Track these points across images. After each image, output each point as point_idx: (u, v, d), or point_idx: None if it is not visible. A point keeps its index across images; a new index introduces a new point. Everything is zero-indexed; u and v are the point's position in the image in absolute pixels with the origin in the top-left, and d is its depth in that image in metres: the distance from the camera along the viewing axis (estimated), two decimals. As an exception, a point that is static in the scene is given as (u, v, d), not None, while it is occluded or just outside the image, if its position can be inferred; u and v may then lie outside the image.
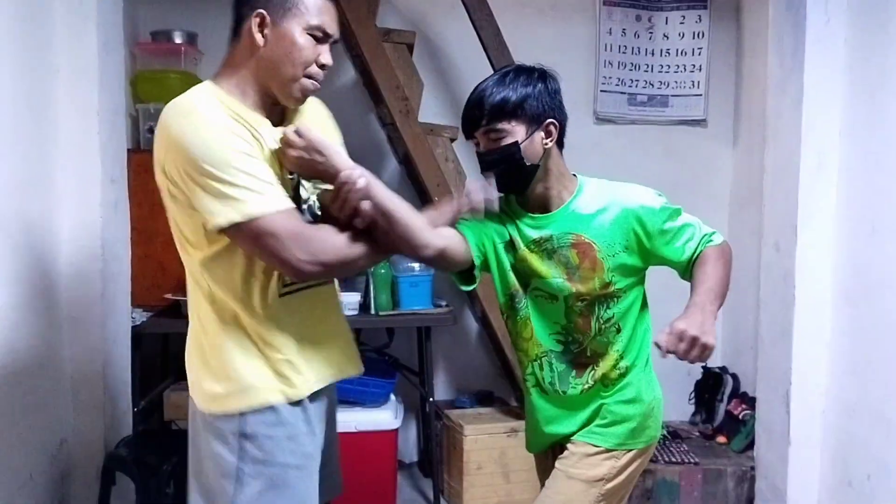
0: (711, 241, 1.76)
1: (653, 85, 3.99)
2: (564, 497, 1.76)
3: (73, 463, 2.55)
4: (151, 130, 3.38)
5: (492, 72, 3.34)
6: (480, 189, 1.79)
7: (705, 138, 4.05)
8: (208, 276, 1.61)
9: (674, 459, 3.35)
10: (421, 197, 3.67)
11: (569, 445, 1.83)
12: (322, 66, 1.64)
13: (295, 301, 1.64)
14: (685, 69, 4.00)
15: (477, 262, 1.79)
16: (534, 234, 1.78)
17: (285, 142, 1.55)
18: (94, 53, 2.53)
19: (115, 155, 2.72)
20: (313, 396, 1.65)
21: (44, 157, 2.39)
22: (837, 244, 2.89)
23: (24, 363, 2.20)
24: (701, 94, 4.00)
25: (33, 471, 2.23)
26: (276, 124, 1.64)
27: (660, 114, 4.01)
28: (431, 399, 3.46)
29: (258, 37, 1.58)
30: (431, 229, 1.67)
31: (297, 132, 1.55)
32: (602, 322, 1.78)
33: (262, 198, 1.50)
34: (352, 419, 3.09)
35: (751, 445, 3.38)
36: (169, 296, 3.22)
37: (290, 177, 1.63)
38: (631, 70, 3.98)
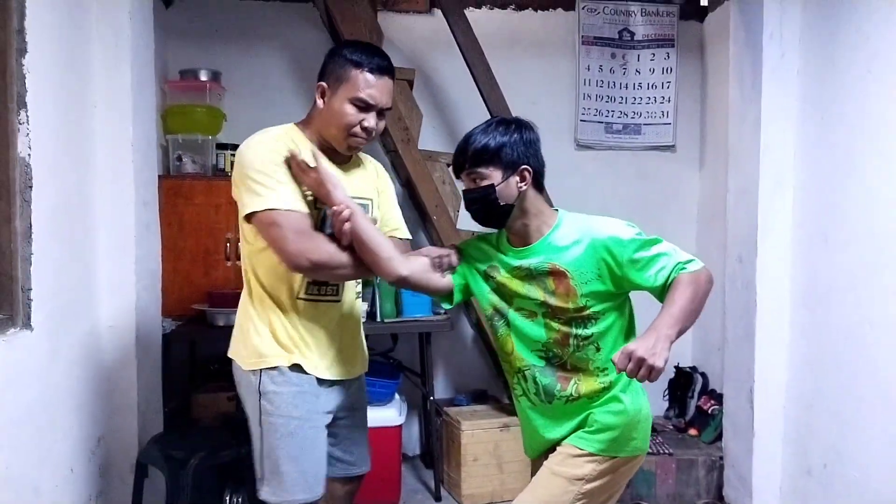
0: (685, 268, 1.69)
1: (627, 115, 4.00)
2: (546, 492, 1.76)
3: (110, 458, 2.54)
4: (180, 158, 3.41)
5: (483, 104, 3.39)
6: (437, 256, 1.89)
7: (674, 162, 4.06)
8: (251, 267, 1.88)
9: (650, 451, 3.32)
10: (422, 217, 3.67)
11: (557, 447, 1.82)
12: (365, 129, 1.84)
13: (312, 309, 1.88)
14: (655, 100, 4.01)
15: (457, 294, 1.90)
16: (514, 262, 1.81)
17: (304, 165, 1.78)
18: (128, 90, 2.54)
19: (147, 181, 2.72)
20: (322, 382, 1.88)
21: (83, 183, 2.39)
22: (794, 255, 2.89)
23: (67, 367, 2.19)
24: (670, 123, 4.02)
25: (74, 465, 2.22)
26: (339, 164, 1.91)
27: (633, 140, 4.02)
28: (432, 398, 3.45)
29: (319, 101, 1.88)
30: (401, 259, 1.81)
31: (315, 158, 1.80)
32: (580, 340, 1.77)
33: (277, 196, 1.75)
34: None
35: (719, 437, 3.36)
36: (196, 306, 3.22)
37: (310, 197, 1.83)
38: (607, 102, 3.99)
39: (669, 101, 4.00)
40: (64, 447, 2.15)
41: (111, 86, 2.51)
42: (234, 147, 3.46)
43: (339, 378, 1.93)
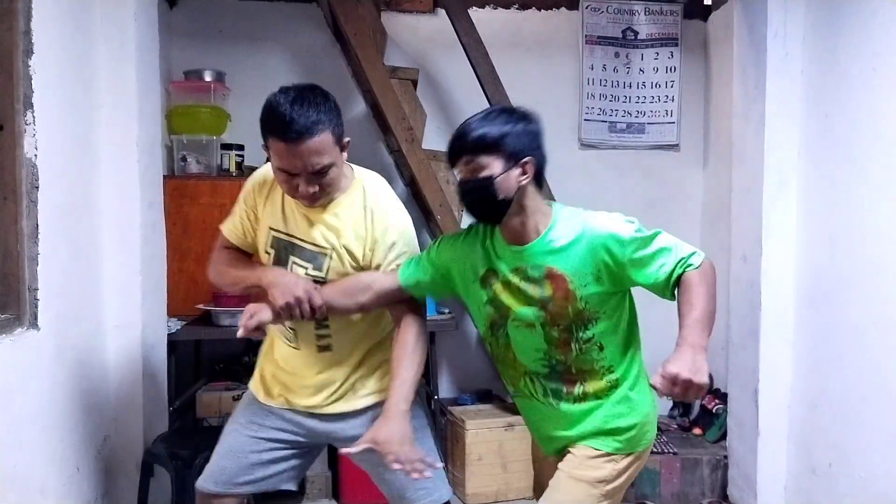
0: (691, 263, 1.59)
1: (630, 114, 4.00)
2: (571, 497, 1.70)
3: (116, 457, 2.54)
4: (185, 159, 3.42)
5: (487, 104, 3.39)
6: (249, 315, 1.76)
7: (678, 161, 4.05)
8: None
9: (654, 450, 3.29)
10: (425, 216, 3.68)
11: (571, 449, 1.76)
12: (303, 195, 1.72)
13: (278, 343, 1.96)
14: (659, 100, 4.01)
15: (416, 293, 1.82)
16: (512, 263, 1.70)
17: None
18: (133, 91, 2.55)
19: (152, 181, 2.73)
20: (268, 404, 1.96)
21: (89, 183, 2.40)
22: (798, 254, 2.89)
23: (73, 367, 2.20)
24: (674, 122, 4.01)
25: (80, 464, 2.23)
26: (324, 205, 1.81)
27: (637, 140, 4.01)
28: (436, 397, 3.45)
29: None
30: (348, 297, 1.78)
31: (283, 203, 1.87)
32: (582, 343, 1.70)
33: (227, 223, 1.97)
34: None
35: (724, 437, 3.36)
36: (201, 306, 3.23)
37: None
38: (611, 101, 3.99)
39: (673, 100, 3.99)
40: (70, 446, 2.16)
41: (116, 86, 2.52)
42: (239, 147, 3.48)
43: (285, 407, 1.93)
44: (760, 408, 2.95)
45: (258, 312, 1.75)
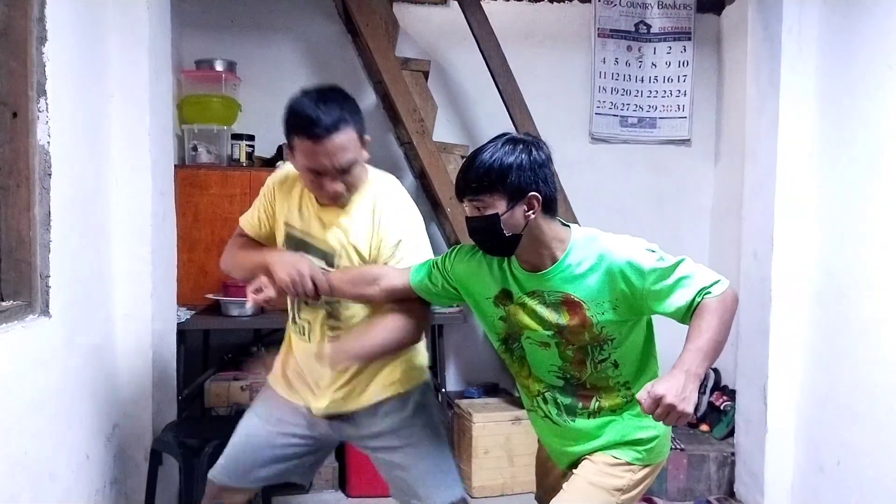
0: (710, 292, 1.54)
1: (642, 108, 3.99)
2: (587, 503, 1.69)
3: (125, 445, 2.56)
4: (195, 148, 3.42)
5: (499, 96, 3.38)
6: (257, 287, 1.80)
7: (690, 156, 4.04)
8: None
9: (661, 445, 3.33)
10: (435, 209, 3.67)
11: (589, 457, 1.74)
12: (328, 194, 1.76)
13: (294, 338, 1.97)
14: (671, 94, 3.99)
15: (425, 297, 1.82)
16: (529, 287, 1.67)
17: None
18: (144, 80, 2.55)
19: (163, 171, 2.73)
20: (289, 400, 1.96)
21: (101, 172, 2.40)
22: (810, 252, 2.87)
23: (83, 354, 2.21)
24: (686, 117, 3.99)
25: (89, 452, 2.24)
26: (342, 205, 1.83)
27: (648, 134, 4.00)
28: (444, 390, 3.45)
29: (291, 161, 1.82)
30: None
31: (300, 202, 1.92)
32: (597, 362, 1.68)
33: (245, 214, 2.04)
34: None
35: (731, 433, 3.35)
36: (210, 296, 3.24)
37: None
38: (623, 95, 3.97)
39: (685, 94, 3.97)
40: (79, 434, 2.17)
41: (128, 75, 2.51)
42: (250, 137, 3.48)
43: (298, 403, 1.94)
44: (769, 405, 2.94)
45: (268, 287, 1.78)
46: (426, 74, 3.55)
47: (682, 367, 1.45)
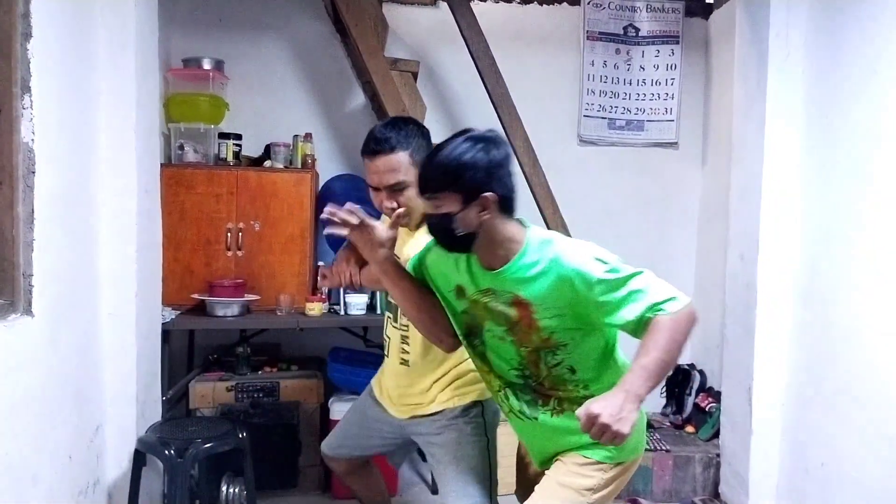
0: (662, 309, 1.50)
1: (630, 111, 4.00)
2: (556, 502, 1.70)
3: (109, 446, 2.53)
4: (182, 147, 3.40)
5: (487, 97, 3.38)
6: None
7: (677, 159, 4.06)
8: None
9: (647, 447, 3.31)
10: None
11: (560, 457, 1.76)
12: (385, 208, 1.91)
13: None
14: (659, 97, 4.01)
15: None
16: (483, 284, 1.68)
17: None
18: (131, 78, 2.52)
19: (149, 169, 2.71)
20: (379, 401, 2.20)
21: (86, 170, 2.38)
22: (796, 254, 2.89)
23: (67, 354, 2.18)
24: (673, 120, 4.01)
25: (73, 452, 2.21)
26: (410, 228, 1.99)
27: (636, 137, 4.01)
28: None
29: None
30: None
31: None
32: (550, 366, 1.68)
33: None
34: (359, 408, 3.09)
35: (716, 435, 3.37)
36: (195, 296, 3.22)
37: None
38: (611, 97, 3.98)
39: (673, 97, 3.99)
40: (63, 434, 2.14)
41: (115, 73, 2.49)
42: (237, 136, 3.47)
43: (383, 405, 2.18)
44: (754, 406, 2.96)
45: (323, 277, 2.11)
46: (415, 75, 3.54)
47: (624, 386, 1.45)
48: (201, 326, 3.31)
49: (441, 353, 1.95)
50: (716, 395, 3.51)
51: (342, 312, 3.27)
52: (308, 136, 3.52)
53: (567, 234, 3.40)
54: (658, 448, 3.34)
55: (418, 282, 1.82)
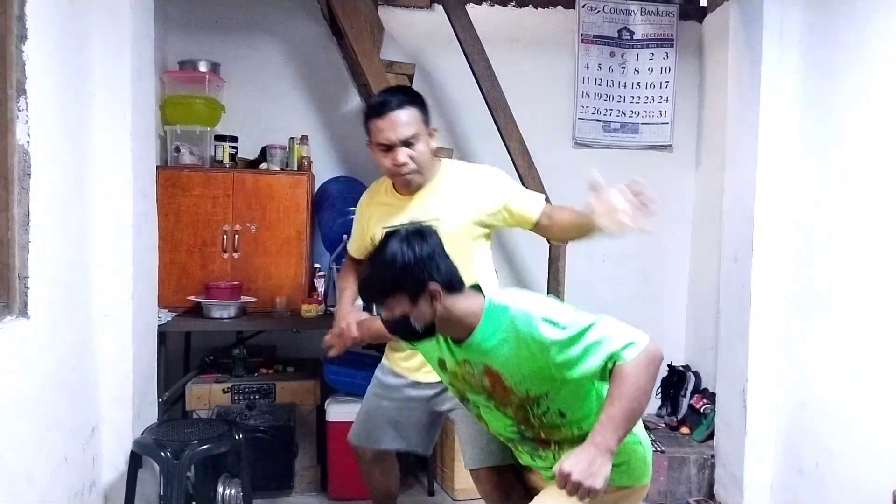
0: (621, 357, 1.53)
1: (625, 114, 4.00)
2: None
3: (104, 447, 2.52)
4: (178, 149, 3.39)
5: (483, 100, 3.38)
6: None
7: (671, 162, 4.06)
8: None
9: (643, 448, 3.34)
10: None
11: None
12: (398, 164, 2.06)
13: None
14: (654, 100, 4.01)
15: None
16: (458, 356, 1.76)
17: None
18: (127, 80, 2.52)
19: (145, 171, 2.71)
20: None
21: (82, 172, 2.37)
22: (789, 256, 2.90)
23: (62, 356, 2.18)
24: (668, 123, 4.02)
25: (68, 454, 2.20)
26: (412, 195, 2.17)
27: (631, 139, 4.02)
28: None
29: (374, 158, 2.14)
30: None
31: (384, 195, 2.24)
32: (539, 416, 1.72)
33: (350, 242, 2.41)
34: (355, 410, 3.07)
35: (711, 436, 3.37)
36: (191, 298, 3.21)
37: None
38: (606, 100, 3.99)
39: (667, 100, 3.99)
40: (58, 436, 2.14)
41: (110, 75, 2.49)
42: (233, 139, 3.46)
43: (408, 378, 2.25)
44: (748, 407, 2.96)
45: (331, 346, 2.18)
46: (411, 78, 3.54)
47: (594, 440, 1.50)
48: (198, 328, 3.30)
49: None
50: (710, 397, 3.51)
51: (338, 314, 3.26)
52: (304, 139, 3.52)
53: (562, 236, 3.40)
54: (653, 449, 3.33)
55: None
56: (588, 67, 3.95)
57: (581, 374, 1.58)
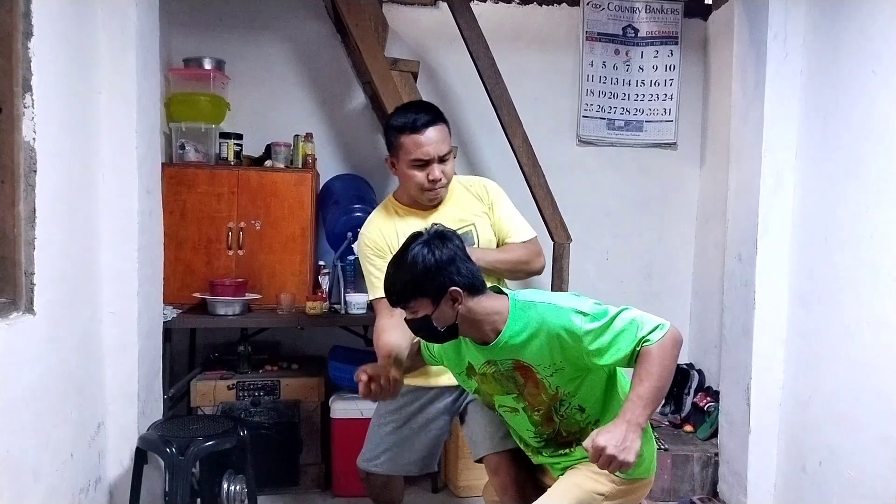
0: (649, 340, 1.60)
1: (629, 111, 3.99)
2: (573, 498, 1.78)
3: (110, 444, 2.53)
4: (183, 147, 3.39)
5: (487, 97, 3.37)
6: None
7: (676, 159, 4.05)
8: None
9: (646, 445, 3.34)
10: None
11: (576, 464, 1.85)
12: (433, 181, 2.08)
13: None
14: (658, 98, 4.00)
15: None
16: (484, 358, 1.78)
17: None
18: (132, 77, 2.52)
19: (150, 169, 2.71)
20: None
21: (88, 169, 2.37)
22: (793, 254, 2.89)
23: (68, 352, 2.18)
24: (672, 120, 4.01)
25: (74, 450, 2.21)
26: (431, 210, 2.18)
27: (635, 137, 4.01)
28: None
29: (393, 172, 2.16)
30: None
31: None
32: (561, 416, 1.79)
33: (372, 289, 2.19)
34: (359, 406, 3.09)
35: (715, 434, 3.37)
36: (196, 295, 3.21)
37: None
38: (610, 98, 3.98)
39: (672, 98, 3.98)
40: (64, 432, 2.14)
41: (116, 72, 2.49)
42: (238, 136, 3.46)
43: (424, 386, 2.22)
44: (752, 406, 2.96)
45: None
46: (415, 75, 3.53)
47: (625, 416, 1.55)
48: (202, 325, 3.30)
49: None
50: (714, 395, 3.51)
51: (343, 311, 3.27)
52: (309, 136, 3.52)
53: (566, 234, 3.40)
54: (657, 447, 3.32)
55: None
56: (592, 65, 3.94)
57: (613, 360, 1.62)
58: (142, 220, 2.58)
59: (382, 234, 2.17)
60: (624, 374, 1.82)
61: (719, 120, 3.74)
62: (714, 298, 3.62)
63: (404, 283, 1.68)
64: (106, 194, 2.48)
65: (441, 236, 1.70)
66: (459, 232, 1.93)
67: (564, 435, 1.82)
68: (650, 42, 3.95)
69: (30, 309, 1.92)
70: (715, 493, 3.27)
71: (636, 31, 3.94)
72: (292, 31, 3.73)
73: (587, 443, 1.54)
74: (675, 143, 4.02)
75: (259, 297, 3.31)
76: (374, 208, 2.33)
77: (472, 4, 3.46)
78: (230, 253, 3.34)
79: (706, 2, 3.93)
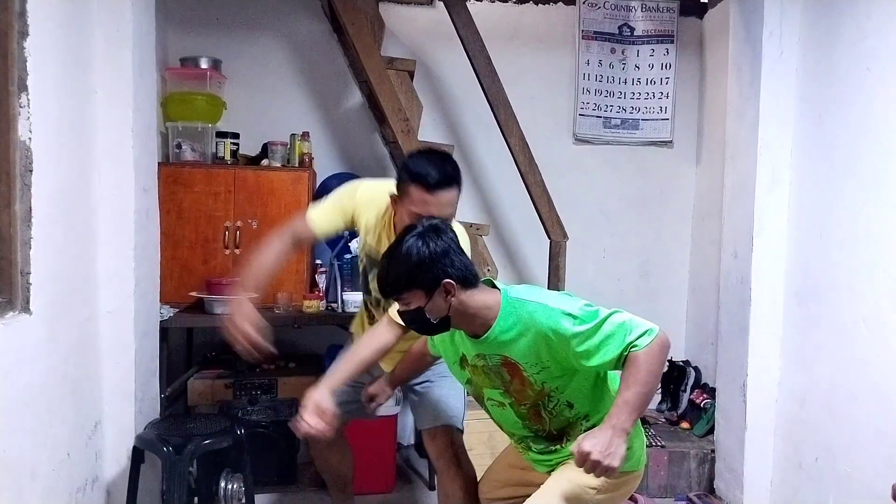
0: (636, 345, 1.59)
1: (625, 110, 4.00)
2: (564, 493, 1.77)
3: (107, 443, 2.53)
4: (179, 146, 3.39)
5: (483, 96, 3.37)
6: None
7: (672, 157, 4.05)
8: None
9: (643, 443, 3.34)
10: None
11: (567, 460, 1.84)
12: None
13: None
14: (654, 96, 4.00)
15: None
16: (475, 350, 1.79)
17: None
18: (129, 77, 2.52)
19: (146, 168, 2.70)
20: None
21: (84, 168, 2.37)
22: (789, 251, 2.89)
23: (65, 352, 2.18)
24: (668, 119, 4.01)
25: (71, 450, 2.21)
26: None
27: (631, 135, 4.01)
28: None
29: (392, 207, 2.08)
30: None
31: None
32: (550, 411, 1.79)
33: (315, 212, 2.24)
34: (356, 405, 3.08)
35: (711, 431, 3.37)
36: (193, 294, 3.21)
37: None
38: (606, 96, 3.98)
39: (668, 96, 3.99)
40: (61, 432, 2.14)
41: (112, 71, 2.48)
42: (234, 135, 3.46)
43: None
44: (748, 402, 2.96)
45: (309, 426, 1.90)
46: (411, 74, 3.54)
47: (610, 422, 1.57)
48: (199, 324, 3.30)
49: None
50: (710, 392, 3.51)
51: (339, 310, 3.27)
52: (305, 135, 3.51)
53: (563, 232, 3.40)
54: (653, 444, 3.34)
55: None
56: (588, 64, 3.94)
57: (600, 362, 1.62)
58: (138, 220, 2.58)
59: (362, 210, 2.19)
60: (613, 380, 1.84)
61: (715, 118, 3.74)
62: (710, 296, 3.62)
63: (398, 275, 1.68)
64: (102, 194, 2.48)
65: (436, 229, 1.71)
66: None
67: (554, 432, 1.82)
68: (646, 40, 3.96)
69: (26, 308, 1.91)
70: (711, 490, 3.28)
71: (632, 29, 3.95)
72: (289, 31, 3.72)
73: (573, 447, 1.56)
74: (671, 142, 4.03)
75: (256, 295, 3.29)
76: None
77: (468, 3, 3.45)
78: (227, 252, 3.34)
79: (702, 0, 3.94)
